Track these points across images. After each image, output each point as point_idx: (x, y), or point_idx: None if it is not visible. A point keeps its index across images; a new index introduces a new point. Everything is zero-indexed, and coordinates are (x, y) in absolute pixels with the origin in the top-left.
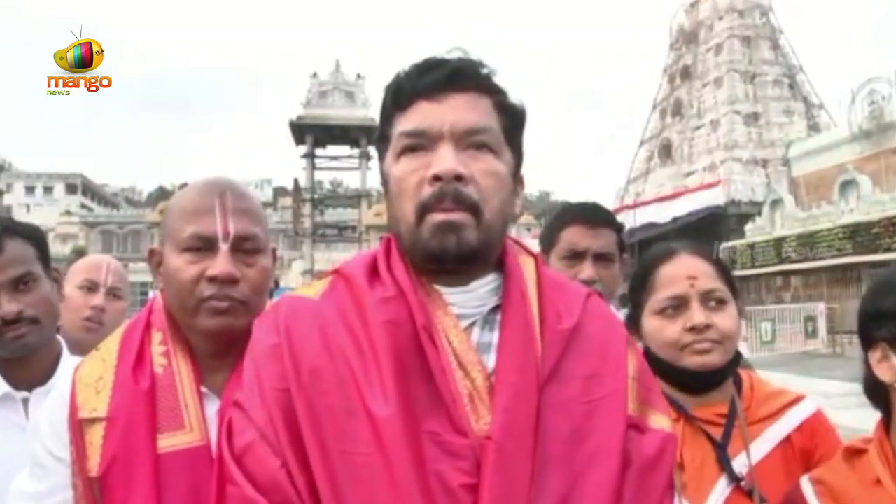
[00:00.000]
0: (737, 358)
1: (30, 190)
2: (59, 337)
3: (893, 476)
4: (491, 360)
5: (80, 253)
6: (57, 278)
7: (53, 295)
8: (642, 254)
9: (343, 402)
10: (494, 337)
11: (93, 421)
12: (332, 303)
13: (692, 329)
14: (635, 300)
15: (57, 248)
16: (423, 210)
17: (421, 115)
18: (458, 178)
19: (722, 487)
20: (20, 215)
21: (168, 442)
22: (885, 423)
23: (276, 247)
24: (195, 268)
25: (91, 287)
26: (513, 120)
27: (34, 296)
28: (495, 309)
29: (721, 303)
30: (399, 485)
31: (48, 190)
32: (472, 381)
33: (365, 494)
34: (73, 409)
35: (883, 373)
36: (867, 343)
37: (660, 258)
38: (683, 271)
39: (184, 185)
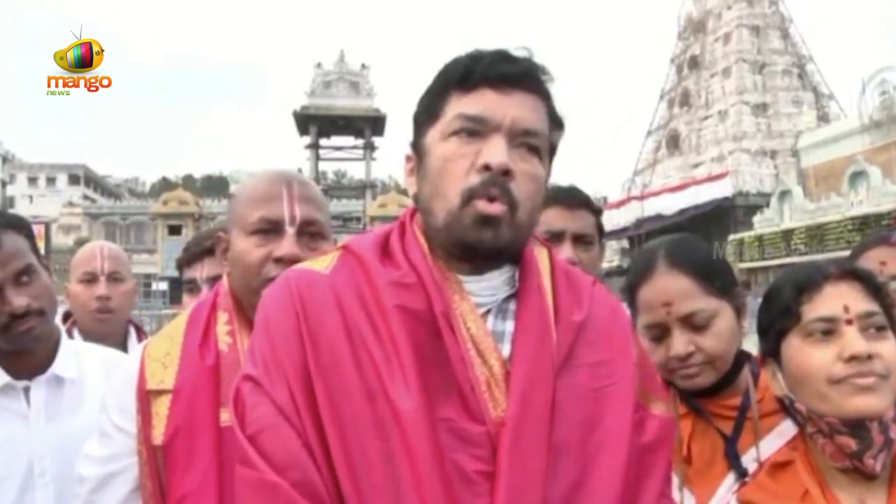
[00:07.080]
0: (741, 357)
1: (32, 181)
2: (57, 324)
3: (821, 486)
4: (506, 349)
5: (83, 245)
6: (46, 265)
7: (51, 283)
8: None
9: (362, 386)
10: (508, 326)
11: (160, 392)
12: (345, 279)
13: (675, 357)
14: (630, 310)
15: (60, 240)
16: (470, 196)
17: (486, 103)
18: (506, 172)
19: (730, 482)
20: (23, 206)
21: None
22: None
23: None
24: (262, 250)
25: (91, 279)
26: (557, 131)
27: (37, 287)
28: (508, 299)
29: (704, 324)
30: (419, 472)
31: (51, 181)
32: (490, 368)
33: (383, 479)
34: (142, 381)
35: (775, 388)
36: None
37: (639, 275)
38: (659, 297)
39: (188, 177)
